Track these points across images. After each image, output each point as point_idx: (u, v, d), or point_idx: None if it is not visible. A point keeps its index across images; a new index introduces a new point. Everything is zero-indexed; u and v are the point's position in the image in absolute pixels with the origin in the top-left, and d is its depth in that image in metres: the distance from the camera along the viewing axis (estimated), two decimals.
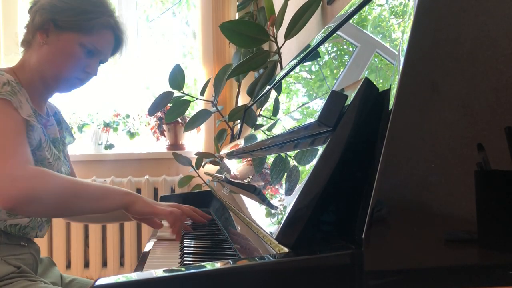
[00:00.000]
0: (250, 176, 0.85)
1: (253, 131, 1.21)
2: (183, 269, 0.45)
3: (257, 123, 1.29)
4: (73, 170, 1.36)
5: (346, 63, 0.66)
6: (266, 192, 0.64)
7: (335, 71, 0.70)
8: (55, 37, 1.08)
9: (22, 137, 0.98)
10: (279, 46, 1.58)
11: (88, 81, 1.16)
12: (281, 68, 1.55)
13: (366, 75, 0.55)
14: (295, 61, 0.98)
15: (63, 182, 0.93)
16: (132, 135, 2.65)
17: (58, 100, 1.28)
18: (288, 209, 0.48)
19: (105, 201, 0.98)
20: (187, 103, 1.89)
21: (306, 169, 0.50)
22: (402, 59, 0.45)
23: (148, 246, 1.01)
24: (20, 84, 1.05)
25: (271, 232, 0.52)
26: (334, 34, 0.75)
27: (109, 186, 1.02)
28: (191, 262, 0.77)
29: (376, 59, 0.55)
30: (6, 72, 1.05)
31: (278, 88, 1.10)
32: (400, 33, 0.50)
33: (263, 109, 1.27)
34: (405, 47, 0.46)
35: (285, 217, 0.48)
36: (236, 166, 1.09)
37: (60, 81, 1.11)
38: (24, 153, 0.94)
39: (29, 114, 1.02)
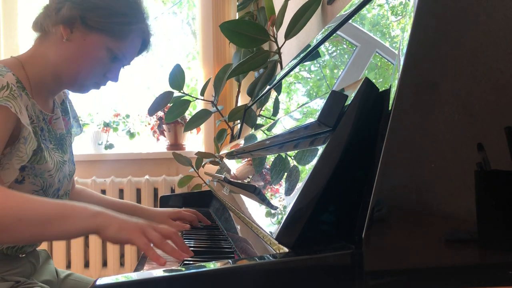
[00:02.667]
0: (250, 176, 0.85)
1: (253, 131, 1.21)
2: (183, 269, 0.45)
3: (257, 123, 1.29)
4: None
5: (346, 63, 0.66)
6: (266, 192, 0.64)
7: (335, 71, 0.70)
8: (81, 36, 0.96)
9: None
10: (279, 46, 1.58)
11: (105, 85, 1.06)
12: (281, 68, 1.55)
13: (366, 75, 0.55)
14: (295, 61, 0.98)
15: (7, 198, 0.76)
16: (132, 135, 2.65)
17: None
18: (288, 209, 0.48)
19: (64, 224, 0.76)
20: (187, 103, 1.89)
21: (306, 169, 0.50)
22: (402, 59, 0.45)
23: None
24: (22, 85, 0.93)
25: (271, 232, 0.52)
26: (334, 34, 0.75)
27: (75, 206, 0.78)
28: (191, 262, 0.77)
29: (376, 59, 0.55)
30: (12, 63, 0.95)
31: (278, 88, 1.10)
32: (400, 33, 0.50)
33: (263, 109, 1.27)
34: (405, 47, 0.46)
35: (285, 217, 0.48)
36: (236, 166, 1.09)
37: (77, 82, 1.01)
38: None
39: (27, 123, 0.90)
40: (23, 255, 1.03)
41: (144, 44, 1.07)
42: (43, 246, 2.43)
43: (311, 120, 0.53)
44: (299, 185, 0.49)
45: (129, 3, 0.99)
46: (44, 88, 1.01)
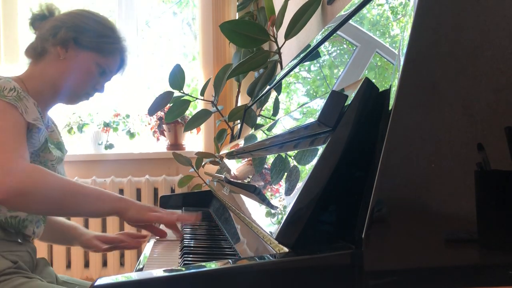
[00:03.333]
0: (250, 176, 0.85)
1: (253, 131, 1.21)
2: (183, 269, 0.45)
3: (257, 123, 1.29)
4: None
5: (346, 63, 0.66)
6: (266, 192, 0.64)
7: (335, 71, 0.70)
8: (74, 54, 1.15)
9: (21, 137, 1.00)
10: (279, 46, 1.58)
11: (93, 96, 1.26)
12: (281, 68, 1.55)
13: (366, 75, 0.55)
14: (295, 61, 0.98)
15: (56, 181, 0.95)
16: (132, 135, 2.65)
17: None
18: (288, 209, 0.48)
19: (98, 204, 0.99)
20: (187, 103, 1.89)
21: (306, 169, 0.50)
22: (402, 59, 0.45)
23: (148, 246, 1.01)
24: (26, 92, 1.08)
25: (271, 232, 0.52)
26: (334, 34, 0.75)
27: (104, 191, 1.02)
28: (191, 262, 0.77)
29: (376, 59, 0.55)
30: (13, 79, 1.10)
31: (278, 88, 1.10)
32: (400, 33, 0.50)
33: (263, 109, 1.27)
34: (405, 47, 0.46)
35: (285, 217, 0.48)
36: (236, 166, 1.09)
37: (72, 94, 1.20)
38: (20, 150, 0.96)
39: (35, 118, 1.06)
40: (22, 243, 1.11)
41: (122, 60, 1.26)
42: (45, 253, 2.44)
43: (311, 120, 0.53)
44: (299, 185, 0.49)
45: (111, 26, 1.21)
46: (41, 101, 1.15)
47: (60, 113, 2.60)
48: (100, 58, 1.18)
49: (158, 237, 1.06)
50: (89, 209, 1.01)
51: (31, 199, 0.92)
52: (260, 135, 0.86)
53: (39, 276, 1.12)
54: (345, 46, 0.71)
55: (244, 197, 0.81)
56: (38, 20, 1.20)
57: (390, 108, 0.44)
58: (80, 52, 1.16)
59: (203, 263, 0.46)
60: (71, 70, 1.16)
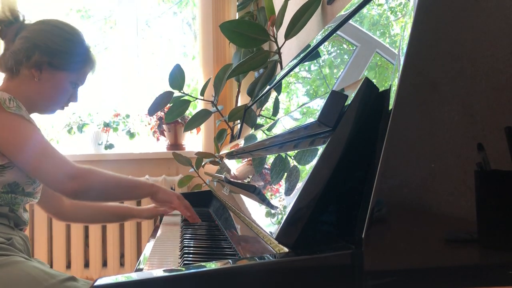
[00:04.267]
0: (250, 176, 0.85)
1: (253, 131, 1.21)
2: (183, 269, 0.45)
3: (257, 123, 1.29)
4: None
5: (346, 63, 0.66)
6: (266, 192, 0.64)
7: (335, 71, 0.70)
8: (49, 75, 1.22)
9: (50, 143, 1.16)
10: (279, 46, 1.58)
11: (68, 106, 1.35)
12: (281, 68, 1.55)
13: (366, 75, 0.55)
14: (295, 61, 0.98)
15: (107, 178, 1.19)
16: (132, 135, 2.65)
17: None
18: (288, 209, 0.48)
19: (138, 192, 1.25)
20: (187, 103, 1.89)
21: (306, 169, 0.50)
22: (402, 59, 0.45)
23: (148, 246, 1.01)
24: (16, 99, 1.16)
25: (271, 232, 0.52)
26: (334, 34, 0.75)
27: (138, 180, 1.29)
28: (191, 262, 0.77)
29: (376, 59, 0.55)
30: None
31: (278, 88, 1.10)
32: (400, 33, 0.50)
33: (263, 109, 1.27)
34: (405, 47, 0.46)
35: (285, 217, 0.48)
36: (236, 166, 1.09)
37: (47, 109, 1.29)
38: (64, 155, 1.14)
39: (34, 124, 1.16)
40: (13, 228, 1.16)
41: (93, 65, 1.34)
42: (45, 253, 2.44)
43: (311, 120, 0.53)
44: (299, 185, 0.49)
45: (81, 44, 1.28)
46: None
47: (60, 113, 2.60)
48: (73, 76, 1.25)
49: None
50: (132, 196, 1.30)
51: (90, 195, 1.17)
52: (260, 135, 0.86)
53: None
54: (345, 46, 0.71)
55: (244, 197, 0.81)
56: (5, 27, 1.24)
57: (390, 108, 0.44)
58: (54, 73, 1.22)
59: (203, 263, 0.46)
60: (46, 90, 1.23)
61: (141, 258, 0.87)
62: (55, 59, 1.21)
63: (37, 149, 1.11)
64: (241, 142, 1.12)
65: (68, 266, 2.49)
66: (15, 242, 1.11)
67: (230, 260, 0.47)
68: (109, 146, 2.61)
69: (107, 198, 1.30)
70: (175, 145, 2.59)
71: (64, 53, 1.22)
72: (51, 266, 2.45)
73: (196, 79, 2.77)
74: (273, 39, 1.55)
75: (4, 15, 1.23)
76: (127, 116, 2.66)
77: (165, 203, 1.26)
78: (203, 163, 2.08)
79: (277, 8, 1.62)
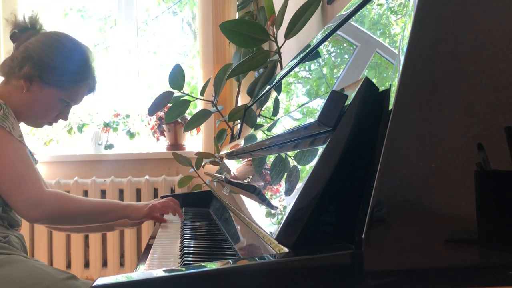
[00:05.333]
0: (250, 176, 0.85)
1: (253, 131, 1.21)
2: (183, 269, 0.45)
3: (257, 123, 1.29)
4: None
5: (346, 62, 0.66)
6: (266, 192, 0.64)
7: (335, 71, 0.70)
8: (38, 89, 1.18)
9: (28, 160, 1.10)
10: (279, 46, 1.58)
11: (57, 122, 1.31)
12: (281, 68, 1.55)
13: (366, 75, 0.55)
14: (295, 61, 0.98)
15: (77, 203, 1.14)
16: (132, 135, 2.65)
17: None
18: (288, 209, 0.48)
19: (110, 215, 1.20)
20: (187, 103, 1.89)
21: (306, 169, 0.50)
22: (402, 59, 0.45)
23: (148, 247, 1.01)
24: (7, 105, 1.13)
25: (271, 232, 0.52)
26: (334, 34, 0.75)
27: (111, 202, 1.25)
28: (191, 262, 0.77)
29: (376, 59, 0.55)
30: None
31: (278, 88, 1.10)
32: (400, 33, 0.50)
33: (263, 109, 1.27)
34: (405, 46, 0.46)
35: (285, 217, 0.48)
36: (236, 166, 1.09)
37: (33, 122, 1.26)
38: (36, 176, 1.09)
39: (19, 135, 1.12)
40: (8, 228, 1.16)
41: (91, 89, 1.30)
42: (45, 253, 2.44)
43: (311, 120, 0.53)
44: (299, 185, 0.49)
45: (79, 62, 1.23)
46: None
47: None
48: (64, 94, 1.21)
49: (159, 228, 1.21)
50: (105, 220, 1.23)
51: (59, 222, 1.15)
52: (260, 135, 0.86)
53: None
54: (345, 45, 0.71)
55: (244, 197, 0.81)
56: (19, 31, 1.22)
57: (390, 108, 0.44)
58: (44, 88, 1.18)
59: (203, 263, 0.46)
60: (33, 103, 1.19)
61: (141, 258, 0.87)
62: (46, 74, 1.17)
63: (5, 171, 1.06)
64: (241, 142, 1.12)
65: (68, 266, 2.49)
66: (12, 241, 1.11)
67: (230, 260, 0.47)
68: (109, 146, 2.61)
69: (75, 224, 1.28)
70: (175, 145, 2.59)
71: (56, 69, 1.18)
72: (51, 266, 2.45)
73: (196, 78, 2.77)
74: (273, 39, 1.54)
75: (22, 20, 1.22)
76: (127, 116, 2.66)
77: (144, 220, 1.27)
78: (203, 163, 2.08)
79: (277, 8, 1.62)
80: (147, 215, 1.24)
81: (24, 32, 1.22)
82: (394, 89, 0.45)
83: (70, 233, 2.48)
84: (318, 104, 0.56)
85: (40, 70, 1.17)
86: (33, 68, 1.16)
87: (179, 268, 0.46)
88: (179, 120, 2.50)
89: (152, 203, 1.27)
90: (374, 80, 0.50)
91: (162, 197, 1.57)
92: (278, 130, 0.73)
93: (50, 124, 1.29)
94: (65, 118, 1.28)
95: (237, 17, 2.42)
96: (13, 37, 1.23)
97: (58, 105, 1.23)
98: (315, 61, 0.84)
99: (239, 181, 0.91)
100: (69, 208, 1.12)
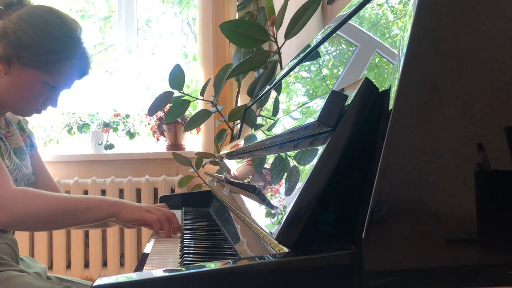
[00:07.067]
0: (250, 176, 0.85)
1: (253, 131, 1.21)
2: (183, 269, 0.45)
3: (257, 123, 1.29)
4: (48, 176, 1.31)
5: (346, 63, 0.66)
6: (266, 192, 0.64)
7: (335, 71, 0.70)
8: (17, 70, 1.04)
9: None
10: (279, 46, 1.58)
11: (46, 110, 1.15)
12: (281, 68, 1.55)
13: (366, 75, 0.55)
14: (295, 61, 0.98)
15: (47, 201, 0.96)
16: (132, 135, 2.65)
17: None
18: (288, 209, 0.48)
19: (91, 214, 1.00)
20: (187, 103, 1.89)
21: (306, 169, 0.50)
22: (402, 59, 0.45)
23: (148, 246, 1.01)
24: None
25: (271, 232, 0.52)
26: (334, 34, 0.75)
27: (96, 198, 1.04)
28: (191, 262, 0.77)
29: (376, 59, 0.55)
30: None
31: (278, 88, 1.10)
32: (400, 33, 0.50)
33: (263, 109, 1.27)
34: (405, 47, 0.46)
35: (285, 217, 0.48)
36: (236, 166, 1.09)
37: (18, 110, 1.12)
38: (2, 173, 0.96)
39: None
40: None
41: (82, 71, 1.14)
42: (44, 253, 2.44)
43: (311, 120, 0.53)
44: (299, 185, 0.49)
45: (61, 38, 1.05)
46: None
47: (60, 113, 2.60)
48: (47, 76, 1.05)
49: (157, 236, 1.06)
50: (85, 219, 1.02)
51: (26, 224, 0.97)
52: (260, 135, 0.86)
53: (29, 269, 1.08)
54: (345, 46, 0.71)
55: (244, 197, 0.81)
56: (5, 7, 1.08)
57: (390, 108, 0.44)
58: (23, 69, 1.04)
59: (203, 263, 0.46)
60: (14, 87, 1.06)
61: (141, 258, 0.87)
62: (23, 53, 1.02)
63: None
64: (241, 142, 1.12)
65: (68, 266, 2.49)
66: (1, 255, 1.01)
67: (230, 260, 0.47)
68: (109, 146, 2.61)
69: (51, 226, 1.10)
70: (175, 145, 2.59)
71: (34, 47, 1.02)
72: (51, 266, 2.45)
73: (196, 79, 2.77)
74: (273, 39, 1.55)
75: None
76: (127, 116, 2.66)
77: (134, 223, 1.05)
78: (203, 163, 2.08)
79: (277, 8, 1.62)
80: (139, 220, 1.01)
81: (9, 8, 1.08)
82: (394, 89, 0.45)
83: (69, 230, 2.48)
84: (318, 104, 0.56)
85: (17, 50, 1.02)
86: (8, 47, 1.02)
87: (179, 268, 0.46)
88: (179, 120, 2.51)
89: (152, 207, 1.06)
90: (374, 80, 0.50)
91: (162, 198, 1.57)
92: (278, 130, 0.73)
93: (39, 112, 1.13)
94: (54, 105, 1.13)
95: (237, 18, 2.42)
96: None
97: (42, 89, 1.07)
98: (315, 61, 0.84)
99: (239, 181, 0.91)
100: (41, 208, 0.95)
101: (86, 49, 1.12)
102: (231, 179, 0.99)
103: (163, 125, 2.58)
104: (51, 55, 1.04)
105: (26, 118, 1.25)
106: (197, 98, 1.91)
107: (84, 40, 1.11)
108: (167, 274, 0.45)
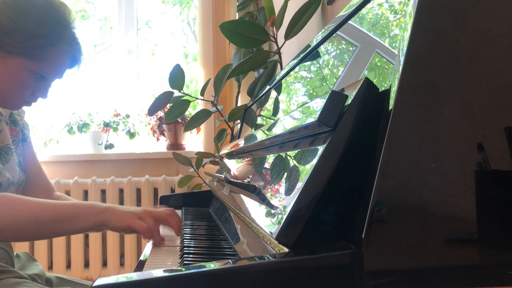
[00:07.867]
0: (250, 176, 0.85)
1: (253, 131, 1.21)
2: (183, 269, 0.45)
3: (257, 123, 1.29)
4: (42, 174, 1.23)
5: (346, 63, 0.66)
6: (266, 192, 0.64)
7: (335, 71, 0.70)
8: (1, 59, 0.96)
9: None
10: (279, 46, 1.58)
11: (36, 102, 1.06)
12: (281, 68, 1.55)
13: (366, 75, 0.55)
14: (295, 61, 0.98)
15: (26, 208, 0.86)
16: (132, 135, 2.65)
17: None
18: (288, 209, 0.48)
19: (76, 223, 0.88)
20: (187, 103, 1.89)
21: (306, 169, 0.50)
22: (402, 59, 0.45)
23: (148, 246, 1.01)
24: None
25: (271, 232, 0.52)
26: (334, 34, 0.75)
27: (82, 206, 0.91)
28: (191, 262, 0.77)
29: (376, 59, 0.55)
30: None
31: (278, 88, 1.10)
32: (400, 33, 0.50)
33: (263, 109, 1.27)
34: (405, 47, 0.46)
35: (285, 217, 0.48)
36: (236, 166, 1.09)
37: (4, 103, 1.03)
38: None
39: None
40: None
41: (73, 57, 1.04)
42: (44, 253, 2.44)
43: (311, 120, 0.53)
44: (299, 185, 0.49)
45: (45, 22, 0.96)
46: None
47: (60, 113, 2.60)
48: (32, 64, 0.96)
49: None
50: (68, 229, 0.90)
51: (5, 234, 0.86)
52: (260, 135, 0.86)
53: (23, 271, 1.06)
54: (345, 46, 0.71)
55: (244, 197, 0.81)
56: None
57: (390, 108, 0.44)
58: (7, 57, 0.95)
59: (203, 263, 0.46)
60: None
61: (141, 258, 0.87)
62: (5, 39, 0.93)
63: None
64: (241, 142, 1.12)
65: (68, 266, 2.49)
66: None
67: (230, 260, 0.47)
68: (109, 146, 2.61)
69: (30, 235, 0.97)
70: (175, 145, 2.59)
71: (17, 32, 0.93)
72: (51, 266, 2.45)
73: (196, 80, 2.77)
74: (273, 39, 1.55)
75: None
76: (127, 116, 2.66)
77: (127, 230, 0.92)
78: (203, 163, 2.08)
79: (277, 8, 1.62)
80: (129, 228, 0.89)
81: None
82: (394, 89, 0.45)
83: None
84: (318, 104, 0.56)
85: None
86: None
87: (179, 268, 0.46)
88: (179, 120, 2.51)
89: (145, 212, 0.93)
90: (374, 80, 0.50)
91: (162, 197, 1.57)
92: (278, 130, 0.73)
93: (28, 104, 1.04)
94: (44, 96, 1.04)
95: (237, 18, 2.42)
96: None
97: (29, 79, 0.98)
98: (315, 61, 0.84)
99: (239, 181, 0.91)
100: (16, 215, 0.85)
101: (76, 34, 1.03)
102: (231, 179, 0.99)
103: (163, 125, 2.58)
104: (36, 40, 0.95)
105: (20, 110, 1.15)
106: (197, 98, 1.91)
107: (75, 25, 1.03)
108: (167, 274, 0.45)
